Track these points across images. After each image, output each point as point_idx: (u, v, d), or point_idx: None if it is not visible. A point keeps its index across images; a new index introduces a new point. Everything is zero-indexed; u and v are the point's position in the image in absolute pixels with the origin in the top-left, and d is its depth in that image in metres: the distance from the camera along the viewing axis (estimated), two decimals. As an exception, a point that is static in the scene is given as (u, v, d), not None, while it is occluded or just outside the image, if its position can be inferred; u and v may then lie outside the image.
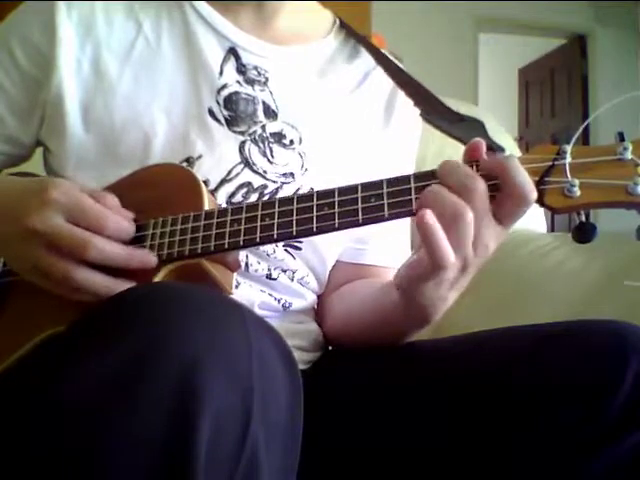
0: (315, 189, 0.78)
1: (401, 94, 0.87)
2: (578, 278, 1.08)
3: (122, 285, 0.61)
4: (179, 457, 0.44)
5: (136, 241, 0.64)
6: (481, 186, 0.57)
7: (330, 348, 0.89)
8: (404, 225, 0.89)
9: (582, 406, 0.59)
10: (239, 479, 0.47)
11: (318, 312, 0.89)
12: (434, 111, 0.81)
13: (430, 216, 0.57)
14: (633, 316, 0.72)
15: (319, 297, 0.89)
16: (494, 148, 0.61)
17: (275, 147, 0.80)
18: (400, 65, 0.90)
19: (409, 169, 0.91)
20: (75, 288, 0.61)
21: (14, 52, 0.79)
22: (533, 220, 1.35)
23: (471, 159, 0.60)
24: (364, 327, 0.80)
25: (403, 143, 0.91)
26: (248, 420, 0.47)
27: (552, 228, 1.46)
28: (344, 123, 0.85)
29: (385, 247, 0.87)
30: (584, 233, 0.56)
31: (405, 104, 0.86)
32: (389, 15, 4.22)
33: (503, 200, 0.58)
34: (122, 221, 0.63)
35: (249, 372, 0.48)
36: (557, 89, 6.09)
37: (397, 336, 0.75)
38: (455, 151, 0.69)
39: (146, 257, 0.63)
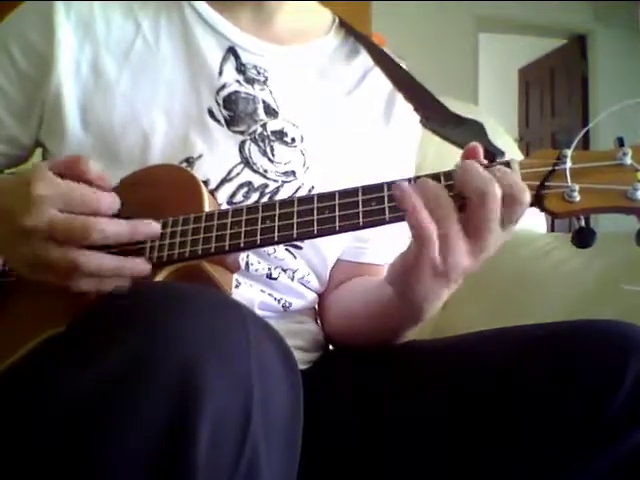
0: (316, 187, 0.78)
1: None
2: (578, 278, 1.08)
3: (130, 261, 0.61)
4: (178, 457, 0.44)
5: (136, 242, 0.64)
6: (495, 189, 0.56)
7: (330, 348, 0.89)
8: (405, 224, 0.89)
9: (582, 406, 0.59)
10: (239, 478, 0.47)
11: (319, 311, 0.89)
12: (433, 114, 0.81)
13: (406, 185, 0.58)
14: (633, 316, 0.72)
15: (320, 296, 0.89)
16: (493, 151, 0.61)
17: (276, 145, 0.80)
18: (401, 63, 0.90)
19: (410, 167, 0.92)
20: (84, 274, 0.60)
21: (12, 52, 0.79)
22: (533, 220, 1.35)
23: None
24: (363, 324, 0.80)
25: (404, 141, 0.91)
26: (248, 420, 0.47)
27: (552, 228, 1.46)
28: (345, 121, 0.85)
29: (385, 246, 0.87)
30: (583, 238, 0.56)
31: (405, 103, 0.86)
32: (389, 15, 4.21)
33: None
34: (113, 196, 0.62)
35: (249, 372, 0.48)
36: (557, 89, 6.09)
37: (394, 333, 0.75)
38: (454, 151, 0.69)
39: (149, 227, 0.63)
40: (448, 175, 0.59)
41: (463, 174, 0.58)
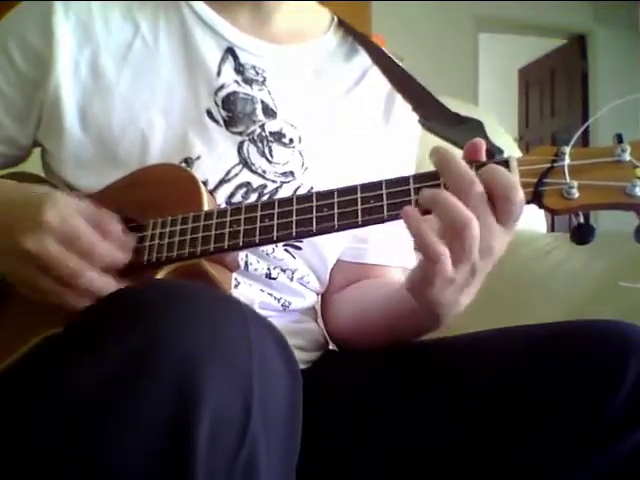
0: (315, 188, 0.78)
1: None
2: (578, 278, 1.08)
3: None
4: (179, 454, 0.44)
5: (137, 241, 0.64)
6: (480, 189, 0.56)
7: (331, 348, 0.89)
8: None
9: (583, 406, 0.59)
10: (238, 476, 0.47)
11: (322, 312, 0.89)
12: (432, 114, 0.80)
13: (412, 210, 0.57)
14: (633, 316, 0.72)
15: (322, 297, 0.89)
16: (493, 150, 0.61)
17: (275, 146, 0.79)
18: (400, 63, 0.90)
19: (409, 167, 0.91)
20: (67, 305, 0.61)
21: (11, 53, 0.79)
22: (533, 220, 1.35)
23: (471, 160, 0.59)
24: (379, 328, 0.79)
25: (403, 141, 0.91)
26: (247, 418, 0.47)
27: (552, 228, 1.46)
28: (343, 121, 0.85)
29: (386, 246, 0.87)
30: (582, 234, 0.56)
31: (404, 103, 0.86)
32: (389, 15, 4.21)
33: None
34: (115, 251, 0.62)
35: (249, 370, 0.48)
36: (557, 89, 6.09)
37: (411, 337, 0.75)
38: (455, 149, 0.69)
39: None
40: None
41: (441, 168, 0.57)
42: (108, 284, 0.61)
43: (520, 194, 0.56)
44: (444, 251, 0.56)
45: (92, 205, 0.64)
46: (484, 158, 0.59)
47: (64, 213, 0.61)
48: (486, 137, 0.69)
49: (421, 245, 0.57)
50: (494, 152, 0.61)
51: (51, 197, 0.62)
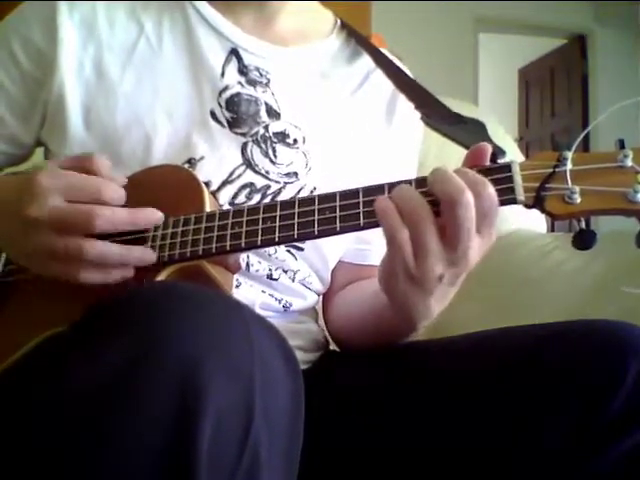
0: (318, 188, 0.78)
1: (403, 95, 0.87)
2: (578, 278, 1.08)
3: (135, 250, 0.61)
4: (181, 456, 0.44)
5: (138, 242, 0.64)
6: (467, 196, 0.55)
7: (331, 348, 0.89)
8: None
9: (582, 406, 0.59)
10: (241, 478, 0.47)
11: (324, 313, 0.90)
12: (434, 114, 0.81)
13: (382, 198, 0.57)
14: (633, 316, 0.72)
15: (324, 298, 0.89)
16: (496, 152, 0.61)
17: (278, 147, 0.80)
18: (401, 65, 0.90)
19: (412, 169, 0.92)
20: (90, 264, 0.60)
21: (15, 52, 0.79)
22: (533, 220, 1.35)
23: (473, 164, 0.59)
24: (363, 328, 0.80)
25: (406, 143, 0.91)
26: (249, 419, 0.47)
27: (552, 228, 1.46)
28: (346, 123, 0.85)
29: None
30: (584, 240, 0.56)
31: (407, 105, 0.86)
32: (389, 15, 4.21)
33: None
34: (117, 187, 0.63)
35: (251, 371, 0.48)
36: (557, 89, 6.09)
37: (390, 336, 0.75)
38: (456, 151, 0.69)
39: (151, 215, 0.63)
40: (422, 181, 0.59)
41: (434, 181, 0.57)
42: (123, 213, 0.61)
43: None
44: (400, 229, 0.57)
45: (68, 157, 0.65)
46: (488, 163, 0.60)
47: (56, 173, 0.62)
48: (488, 138, 0.70)
49: (381, 223, 0.57)
50: (497, 153, 0.61)
51: (38, 170, 0.63)
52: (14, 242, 0.64)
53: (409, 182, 0.59)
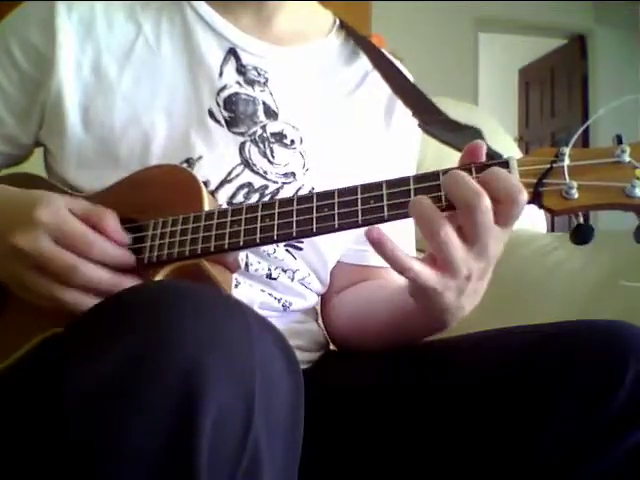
0: (316, 189, 0.78)
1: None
2: (578, 278, 1.08)
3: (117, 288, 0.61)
4: (181, 455, 0.44)
5: (136, 242, 0.64)
6: (485, 202, 0.56)
7: (331, 348, 0.89)
8: (407, 225, 0.89)
9: (582, 406, 0.59)
10: (241, 477, 0.47)
11: (323, 313, 0.89)
12: (432, 120, 0.81)
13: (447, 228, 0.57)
14: (633, 316, 0.72)
15: (323, 298, 0.89)
16: (492, 155, 0.61)
17: (276, 147, 0.80)
18: (401, 67, 0.90)
19: (410, 170, 0.91)
20: (63, 306, 0.61)
21: (13, 52, 0.79)
22: (533, 220, 1.35)
23: (470, 161, 0.60)
24: (382, 330, 0.78)
25: (404, 144, 0.91)
26: (250, 419, 0.47)
27: (552, 228, 1.46)
28: (345, 123, 0.85)
29: None
30: (582, 235, 0.56)
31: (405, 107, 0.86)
32: (389, 15, 4.21)
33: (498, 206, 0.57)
34: (110, 247, 0.62)
35: (251, 371, 0.48)
36: (557, 89, 6.09)
37: (414, 339, 0.75)
38: (453, 153, 0.69)
39: (132, 283, 0.62)
40: (422, 178, 0.59)
41: (450, 186, 0.57)
42: (106, 277, 0.61)
43: (525, 196, 0.56)
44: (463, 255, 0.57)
45: (86, 202, 0.64)
46: (484, 159, 0.60)
47: (58, 212, 0.61)
48: (485, 143, 0.70)
49: (443, 254, 0.57)
50: (493, 156, 0.61)
51: (44, 197, 0.63)
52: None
53: (406, 179, 0.59)
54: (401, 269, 0.58)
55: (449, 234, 0.57)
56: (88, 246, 0.61)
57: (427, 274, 0.58)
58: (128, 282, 0.62)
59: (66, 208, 0.62)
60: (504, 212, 0.56)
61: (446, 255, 0.57)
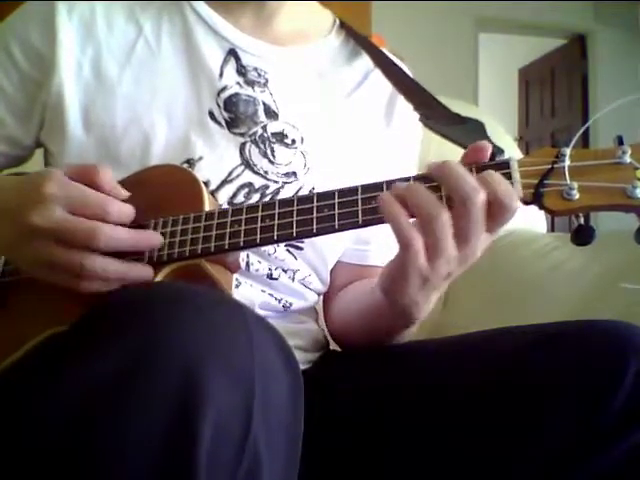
0: (317, 188, 0.78)
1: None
2: (578, 278, 1.08)
3: (134, 268, 0.61)
4: (181, 456, 0.44)
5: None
6: (482, 198, 0.56)
7: (331, 348, 0.89)
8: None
9: (582, 406, 0.59)
10: (241, 478, 0.47)
11: (324, 313, 0.90)
12: (433, 114, 0.81)
13: (386, 195, 0.57)
14: (632, 316, 0.72)
15: (324, 298, 0.89)
16: (494, 150, 0.61)
17: (277, 147, 0.80)
18: (401, 65, 0.90)
19: (411, 169, 0.91)
20: (89, 277, 0.60)
21: (13, 53, 0.79)
22: (533, 220, 1.35)
23: (475, 160, 0.60)
24: (357, 327, 0.80)
25: (405, 143, 0.91)
26: (249, 420, 0.47)
27: (552, 228, 1.46)
28: (345, 123, 0.85)
29: (387, 247, 0.87)
30: (583, 236, 0.56)
31: (406, 104, 0.86)
32: (389, 15, 4.21)
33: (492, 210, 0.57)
34: (122, 205, 0.62)
35: (250, 372, 0.48)
36: (557, 89, 6.10)
37: (386, 335, 0.75)
38: (456, 150, 0.69)
39: (153, 238, 0.63)
40: (421, 178, 0.59)
41: (449, 177, 0.57)
42: (124, 234, 0.61)
43: (518, 204, 0.56)
44: (416, 236, 0.57)
45: (73, 167, 0.64)
46: (487, 159, 0.60)
47: (64, 182, 0.61)
48: (487, 138, 0.70)
49: (394, 229, 0.57)
50: (496, 153, 0.61)
51: (45, 173, 0.62)
52: (13, 247, 0.63)
53: (407, 179, 0.59)
54: (404, 237, 0.58)
55: (446, 221, 0.56)
56: (105, 207, 0.61)
57: (420, 250, 0.58)
58: (145, 235, 0.62)
59: (67, 176, 0.62)
60: (495, 215, 0.57)
61: (438, 242, 0.57)
